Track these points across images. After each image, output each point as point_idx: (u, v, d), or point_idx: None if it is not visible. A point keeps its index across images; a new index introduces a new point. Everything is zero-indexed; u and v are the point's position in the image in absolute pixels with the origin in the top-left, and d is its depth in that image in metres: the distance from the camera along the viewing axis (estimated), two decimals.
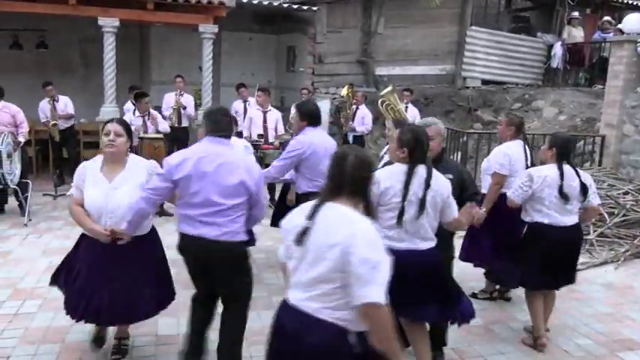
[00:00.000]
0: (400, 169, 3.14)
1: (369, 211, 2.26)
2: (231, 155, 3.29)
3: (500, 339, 4.23)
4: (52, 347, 3.79)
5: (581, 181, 3.96)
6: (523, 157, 4.65)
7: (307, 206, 2.28)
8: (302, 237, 2.18)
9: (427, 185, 3.09)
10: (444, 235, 3.38)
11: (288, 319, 2.24)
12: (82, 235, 3.46)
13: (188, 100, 9.11)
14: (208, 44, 9.06)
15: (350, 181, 2.22)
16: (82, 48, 11.00)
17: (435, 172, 3.18)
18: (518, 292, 4.67)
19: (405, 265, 2.72)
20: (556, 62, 12.42)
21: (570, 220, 4.00)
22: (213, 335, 3.48)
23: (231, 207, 3.17)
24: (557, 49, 12.35)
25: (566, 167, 3.96)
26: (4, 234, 6.31)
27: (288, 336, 2.22)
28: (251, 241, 4.40)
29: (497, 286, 4.94)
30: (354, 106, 9.15)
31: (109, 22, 8.34)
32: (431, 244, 3.22)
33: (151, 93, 10.35)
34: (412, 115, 9.06)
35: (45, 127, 8.63)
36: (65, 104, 8.63)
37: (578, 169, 4.05)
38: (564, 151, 4.00)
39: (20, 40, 10.56)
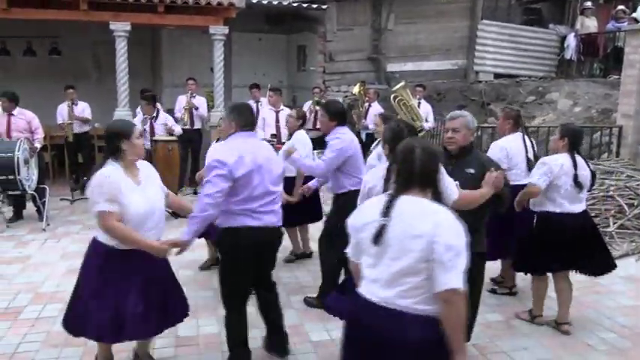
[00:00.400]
0: (382, 167, 3.19)
1: (439, 200, 2.29)
2: (266, 146, 3.59)
3: (522, 334, 4.18)
4: (74, 350, 3.81)
5: (590, 169, 4.13)
6: (523, 150, 4.66)
7: (374, 203, 2.31)
8: (380, 234, 2.18)
9: None
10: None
11: (377, 318, 2.19)
12: (95, 258, 3.21)
13: (200, 101, 9.14)
14: (219, 46, 9.07)
15: (420, 173, 2.24)
16: (94, 53, 11.10)
17: None
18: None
19: None
20: (570, 53, 12.29)
21: (580, 207, 4.11)
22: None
23: (279, 194, 3.50)
24: (571, 40, 12.21)
25: (577, 157, 4.08)
26: (23, 239, 6.38)
27: (381, 335, 2.17)
28: None
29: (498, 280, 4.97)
30: (367, 104, 9.13)
31: (120, 27, 8.39)
32: None
33: (163, 96, 10.45)
34: (425, 110, 9.03)
35: (61, 129, 8.69)
36: (83, 109, 8.74)
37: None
38: (576, 140, 4.11)
39: (34, 46, 10.68)
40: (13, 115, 7.02)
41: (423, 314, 2.15)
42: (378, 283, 2.22)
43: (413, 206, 2.20)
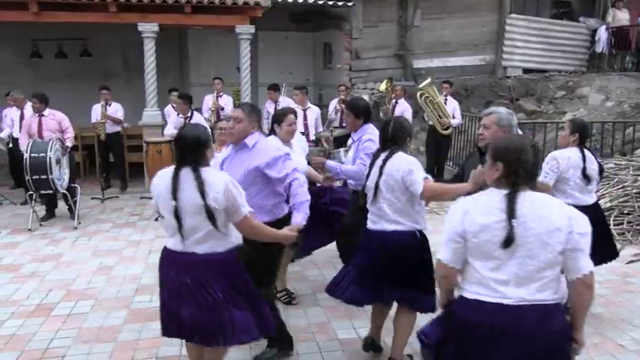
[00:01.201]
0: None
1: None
2: None
3: None
4: (105, 346, 3.89)
5: (599, 163, 4.33)
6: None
7: (484, 205, 2.27)
8: (511, 236, 2.17)
9: (380, 172, 3.35)
10: None
11: (514, 318, 2.19)
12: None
13: (227, 100, 9.22)
14: (245, 45, 9.12)
15: (532, 170, 2.30)
16: (123, 54, 11.27)
17: (395, 156, 3.34)
18: None
19: (375, 245, 3.39)
20: (601, 47, 12.03)
21: (591, 199, 4.26)
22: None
23: None
24: (602, 34, 11.95)
25: (586, 151, 4.24)
26: (56, 237, 6.53)
27: (522, 333, 2.18)
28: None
29: None
30: (394, 101, 9.06)
31: (148, 28, 8.51)
32: (396, 226, 3.34)
33: (192, 95, 10.55)
34: (452, 107, 8.93)
35: (94, 127, 8.84)
36: (116, 110, 8.90)
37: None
38: (585, 134, 4.31)
39: (64, 49, 10.89)
40: (43, 115, 7.20)
41: (557, 302, 2.25)
42: (509, 284, 2.20)
43: (537, 202, 2.23)
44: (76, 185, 7.33)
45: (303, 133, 7.78)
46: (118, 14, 8.26)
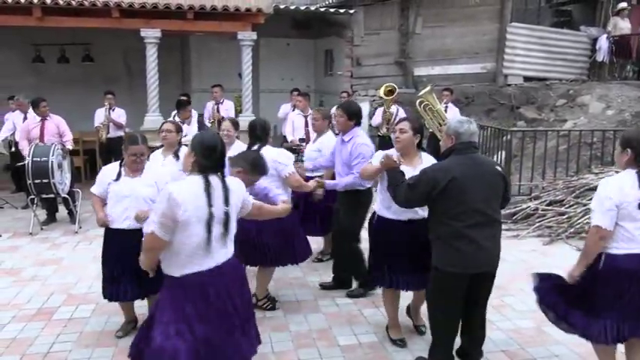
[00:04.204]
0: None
1: None
2: None
3: (554, 341, 4.09)
4: (105, 351, 3.88)
5: None
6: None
7: (622, 182, 3.07)
8: None
9: None
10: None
11: None
12: None
13: (228, 106, 9.26)
14: (247, 51, 9.16)
15: None
16: (125, 59, 11.30)
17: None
18: None
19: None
20: (601, 56, 12.04)
21: None
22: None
23: None
24: (602, 42, 11.97)
25: None
26: (57, 241, 6.52)
27: None
28: None
29: None
30: (394, 107, 9.08)
31: (150, 33, 8.54)
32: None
33: (192, 101, 10.57)
34: (452, 114, 8.94)
35: (97, 130, 8.85)
36: (119, 115, 8.93)
37: None
38: None
39: (67, 54, 10.93)
40: (47, 120, 7.23)
41: None
42: None
43: None
44: (77, 190, 7.33)
45: (304, 139, 7.80)
46: (120, 20, 8.30)
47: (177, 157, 4.63)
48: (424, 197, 3.34)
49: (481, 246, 3.28)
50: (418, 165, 3.69)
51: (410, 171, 3.61)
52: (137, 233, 3.63)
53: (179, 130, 4.80)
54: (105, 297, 3.99)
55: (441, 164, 3.42)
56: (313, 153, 5.40)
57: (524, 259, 5.93)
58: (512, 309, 4.67)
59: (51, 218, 7.31)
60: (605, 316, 3.14)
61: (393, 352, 3.93)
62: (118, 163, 4.00)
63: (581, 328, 3.27)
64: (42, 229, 6.97)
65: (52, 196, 6.90)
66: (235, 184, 2.90)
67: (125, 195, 3.84)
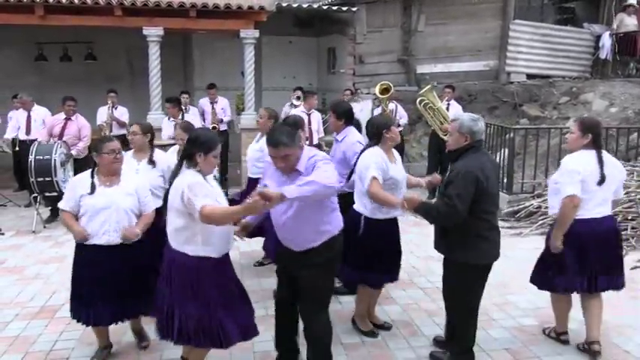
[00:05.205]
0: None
1: None
2: None
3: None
4: None
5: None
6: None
7: (584, 159, 3.70)
8: (603, 178, 3.71)
9: None
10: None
11: (603, 222, 3.77)
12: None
13: (223, 104, 9.60)
14: (250, 49, 9.14)
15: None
16: (128, 58, 11.30)
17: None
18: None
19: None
20: (605, 53, 12.00)
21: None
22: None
23: None
24: (605, 40, 11.93)
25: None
26: (60, 239, 6.53)
27: (609, 231, 3.82)
28: None
29: None
30: (392, 104, 9.08)
31: (153, 32, 8.54)
32: None
33: (195, 99, 10.60)
34: (454, 112, 8.91)
35: (100, 128, 8.85)
36: (122, 114, 8.97)
37: None
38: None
39: (70, 52, 10.93)
40: (70, 119, 7.30)
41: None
42: (603, 205, 3.74)
43: (607, 157, 3.77)
44: None
45: (306, 138, 7.80)
46: (123, 18, 8.29)
47: (152, 163, 4.26)
48: (471, 198, 3.30)
49: (499, 232, 3.59)
50: (395, 158, 4.02)
51: (395, 168, 3.89)
52: (116, 249, 3.48)
53: (147, 131, 4.37)
54: (74, 318, 3.62)
55: (472, 163, 3.35)
56: (256, 153, 5.19)
57: (526, 257, 5.87)
58: (515, 307, 4.66)
59: (54, 216, 7.31)
60: (574, 271, 3.75)
61: (396, 350, 3.93)
62: (88, 173, 3.62)
63: (562, 286, 3.85)
64: (45, 227, 6.99)
65: (55, 194, 6.90)
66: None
67: (102, 207, 3.50)
